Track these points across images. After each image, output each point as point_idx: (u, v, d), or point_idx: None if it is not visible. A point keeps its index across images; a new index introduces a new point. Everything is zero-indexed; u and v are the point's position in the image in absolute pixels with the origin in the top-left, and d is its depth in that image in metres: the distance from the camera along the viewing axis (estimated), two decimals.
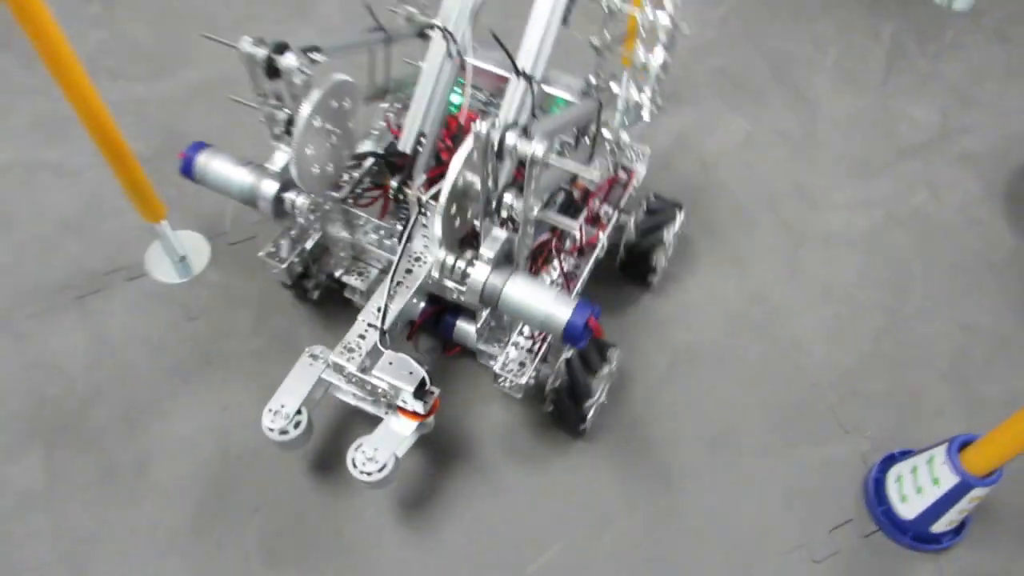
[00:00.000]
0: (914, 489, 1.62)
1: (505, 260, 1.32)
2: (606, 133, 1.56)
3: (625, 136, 1.56)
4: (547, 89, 1.55)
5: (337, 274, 1.62)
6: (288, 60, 1.24)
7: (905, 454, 1.74)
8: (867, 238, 2.19)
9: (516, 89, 1.38)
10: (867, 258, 2.13)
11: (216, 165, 1.41)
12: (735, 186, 2.24)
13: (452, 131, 1.54)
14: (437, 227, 1.25)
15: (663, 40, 1.41)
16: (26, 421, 1.76)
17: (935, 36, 2.75)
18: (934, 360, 1.97)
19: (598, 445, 1.75)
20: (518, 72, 1.37)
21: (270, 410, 1.46)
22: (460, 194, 1.26)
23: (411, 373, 1.35)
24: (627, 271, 1.70)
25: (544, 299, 1.27)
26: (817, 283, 2.07)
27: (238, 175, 1.41)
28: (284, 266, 1.59)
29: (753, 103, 2.48)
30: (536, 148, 1.19)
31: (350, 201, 1.52)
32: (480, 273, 1.28)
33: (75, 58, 1.44)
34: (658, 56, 1.42)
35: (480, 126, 1.19)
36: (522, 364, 1.51)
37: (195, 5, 2.58)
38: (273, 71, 1.25)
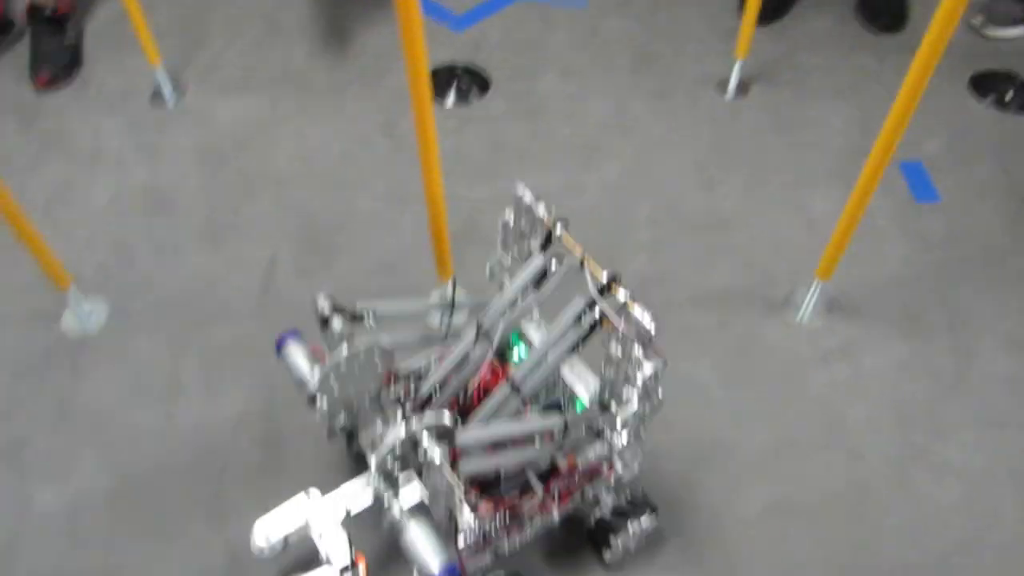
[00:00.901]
0: None
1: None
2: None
3: (620, 441, 1.41)
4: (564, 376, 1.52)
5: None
6: (335, 323, 1.41)
7: None
8: None
9: (504, 395, 1.38)
10: None
11: (293, 352, 1.56)
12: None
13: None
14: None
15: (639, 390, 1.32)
16: None
17: None
18: None
19: None
20: (513, 386, 1.38)
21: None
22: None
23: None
24: (593, 538, 1.61)
25: (426, 545, 1.34)
26: None
27: (299, 369, 1.53)
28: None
29: None
30: (434, 454, 1.26)
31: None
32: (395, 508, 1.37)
33: None
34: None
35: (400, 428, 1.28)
36: None
37: None
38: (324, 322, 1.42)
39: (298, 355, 1.54)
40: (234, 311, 1.98)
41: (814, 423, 1.78)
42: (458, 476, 1.28)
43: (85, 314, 1.94)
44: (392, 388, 1.51)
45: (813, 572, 1.58)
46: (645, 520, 1.53)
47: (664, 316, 1.91)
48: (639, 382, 1.27)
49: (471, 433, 1.30)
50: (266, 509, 1.47)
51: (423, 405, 1.49)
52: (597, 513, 1.53)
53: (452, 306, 1.55)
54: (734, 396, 1.82)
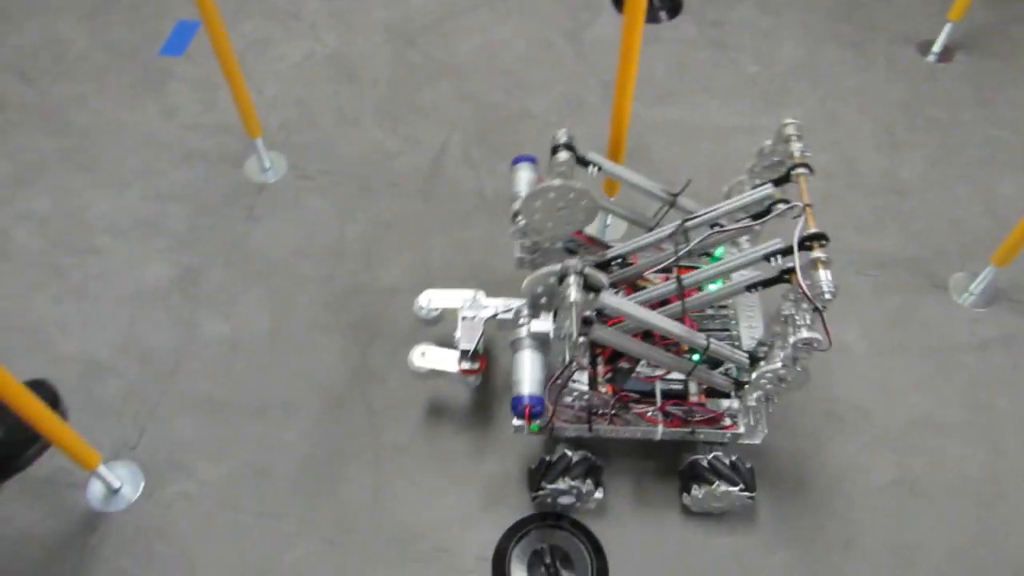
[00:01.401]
0: None
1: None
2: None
3: (749, 398, 1.41)
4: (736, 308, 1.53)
5: None
6: (561, 155, 1.45)
7: None
8: None
9: (669, 289, 1.37)
10: None
11: (520, 172, 1.58)
12: None
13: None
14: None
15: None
16: None
17: None
18: None
19: None
20: (680, 284, 1.36)
21: None
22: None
23: None
24: (682, 477, 1.57)
25: (528, 371, 1.37)
26: None
27: (516, 184, 1.57)
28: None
29: None
30: (570, 293, 1.23)
31: None
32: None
33: None
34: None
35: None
36: None
37: None
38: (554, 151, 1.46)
39: (523, 176, 1.55)
40: (401, 188, 2.03)
41: (959, 407, 1.71)
42: (583, 330, 1.26)
43: (267, 164, 2.02)
44: (584, 249, 1.53)
45: (929, 555, 1.54)
46: (735, 493, 1.48)
47: None
48: (790, 343, 1.24)
49: (614, 299, 1.28)
50: (405, 380, 1.54)
51: (600, 267, 1.47)
52: (701, 460, 1.51)
53: (674, 198, 1.53)
54: (880, 365, 1.77)
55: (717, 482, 1.48)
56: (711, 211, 1.44)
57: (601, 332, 1.29)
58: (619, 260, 1.53)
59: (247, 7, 2.42)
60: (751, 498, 1.50)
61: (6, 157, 2.10)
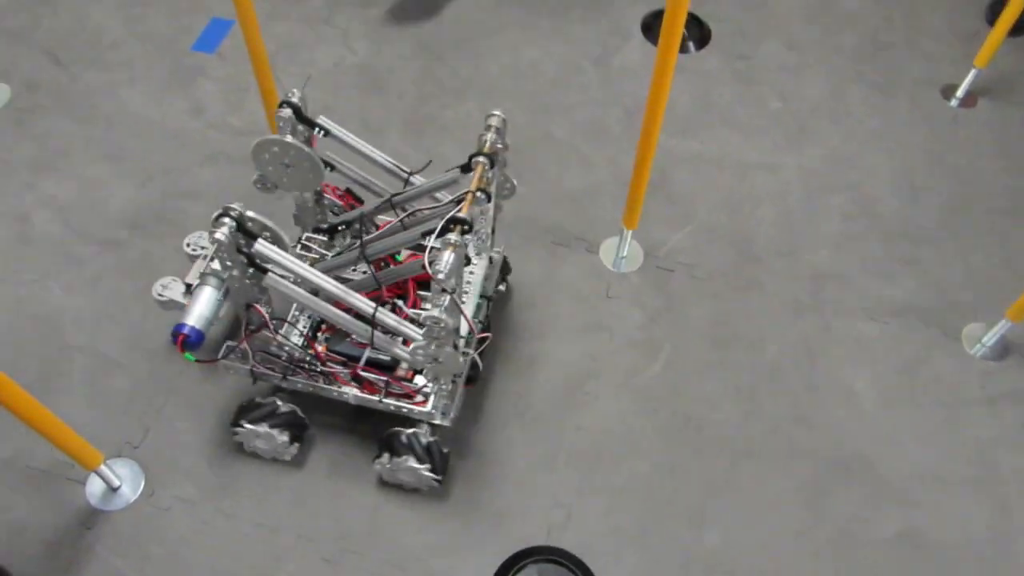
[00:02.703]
0: None
1: None
2: None
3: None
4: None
5: None
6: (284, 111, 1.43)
7: None
8: None
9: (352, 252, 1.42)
10: None
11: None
12: None
13: None
14: None
15: None
16: None
17: None
18: None
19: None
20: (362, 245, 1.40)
21: None
22: None
23: None
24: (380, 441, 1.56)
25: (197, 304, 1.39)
26: None
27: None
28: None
29: None
30: (221, 232, 1.24)
31: None
32: None
33: None
34: None
35: None
36: None
37: None
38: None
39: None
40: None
41: (967, 462, 1.65)
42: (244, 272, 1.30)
43: None
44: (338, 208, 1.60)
45: None
46: (421, 471, 1.48)
47: (834, 318, 1.83)
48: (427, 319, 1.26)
49: (267, 248, 1.28)
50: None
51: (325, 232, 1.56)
52: (400, 434, 1.48)
53: (408, 175, 1.54)
54: (888, 414, 1.70)
55: (406, 456, 1.48)
56: (416, 189, 1.49)
57: (270, 282, 1.31)
58: (344, 226, 1.56)
59: (282, 9, 2.37)
60: (438, 481, 1.51)
61: (32, 140, 2.05)
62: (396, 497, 1.56)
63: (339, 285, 1.33)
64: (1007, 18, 2.01)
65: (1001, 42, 2.09)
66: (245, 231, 1.26)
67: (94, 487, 1.53)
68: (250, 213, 1.27)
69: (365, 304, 1.32)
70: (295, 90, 1.43)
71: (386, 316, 1.33)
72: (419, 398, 1.46)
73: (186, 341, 1.34)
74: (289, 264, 1.29)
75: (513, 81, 2.24)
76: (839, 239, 1.97)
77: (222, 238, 1.23)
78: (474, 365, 1.50)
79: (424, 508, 1.55)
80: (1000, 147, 2.17)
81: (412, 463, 1.47)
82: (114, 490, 1.52)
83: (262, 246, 1.28)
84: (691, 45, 2.34)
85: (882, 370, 1.77)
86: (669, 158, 2.07)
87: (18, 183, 1.97)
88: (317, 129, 1.46)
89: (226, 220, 1.23)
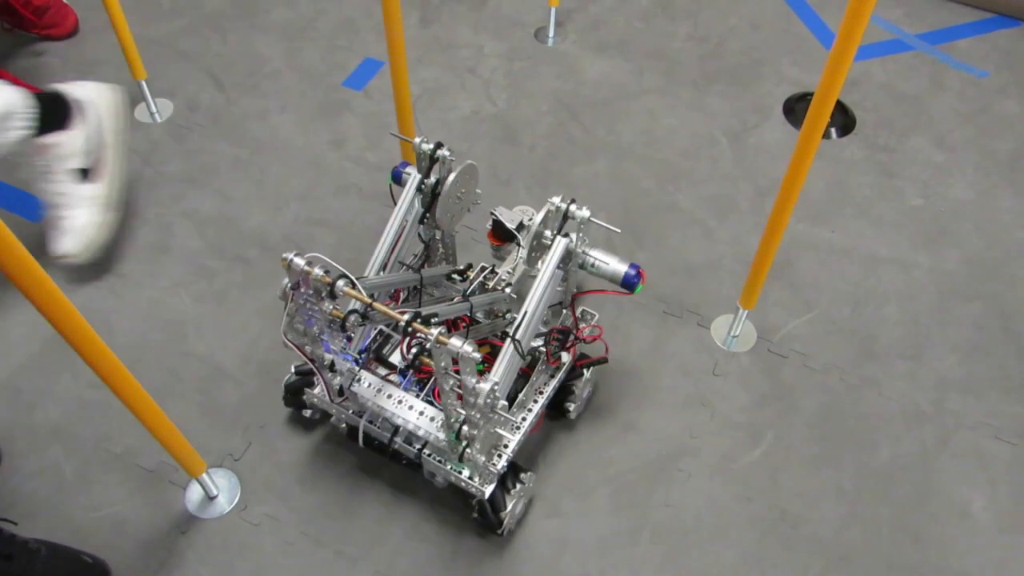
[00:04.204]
0: None
1: None
2: None
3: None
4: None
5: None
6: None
7: None
8: None
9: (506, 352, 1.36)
10: None
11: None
12: None
13: None
14: None
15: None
16: None
17: None
18: None
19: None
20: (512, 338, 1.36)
21: None
22: None
23: None
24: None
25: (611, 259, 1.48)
26: None
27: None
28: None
29: None
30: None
31: None
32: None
33: None
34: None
35: None
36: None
37: None
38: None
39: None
40: None
41: None
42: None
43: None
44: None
45: None
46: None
47: (955, 431, 1.73)
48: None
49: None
50: None
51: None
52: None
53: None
54: (1005, 543, 1.59)
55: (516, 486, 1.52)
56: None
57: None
58: None
59: (430, 55, 2.46)
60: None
61: (185, 156, 2.19)
62: (479, 545, 1.55)
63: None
64: None
65: None
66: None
67: (193, 493, 1.59)
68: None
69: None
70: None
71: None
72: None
73: None
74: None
75: (646, 146, 2.24)
76: (969, 349, 1.86)
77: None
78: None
79: (501, 561, 1.54)
80: None
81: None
82: (211, 499, 1.58)
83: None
84: (833, 131, 2.29)
85: (1003, 493, 1.65)
86: (796, 243, 2.02)
87: (168, 194, 2.10)
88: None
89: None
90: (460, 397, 1.30)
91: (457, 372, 1.26)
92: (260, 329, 1.84)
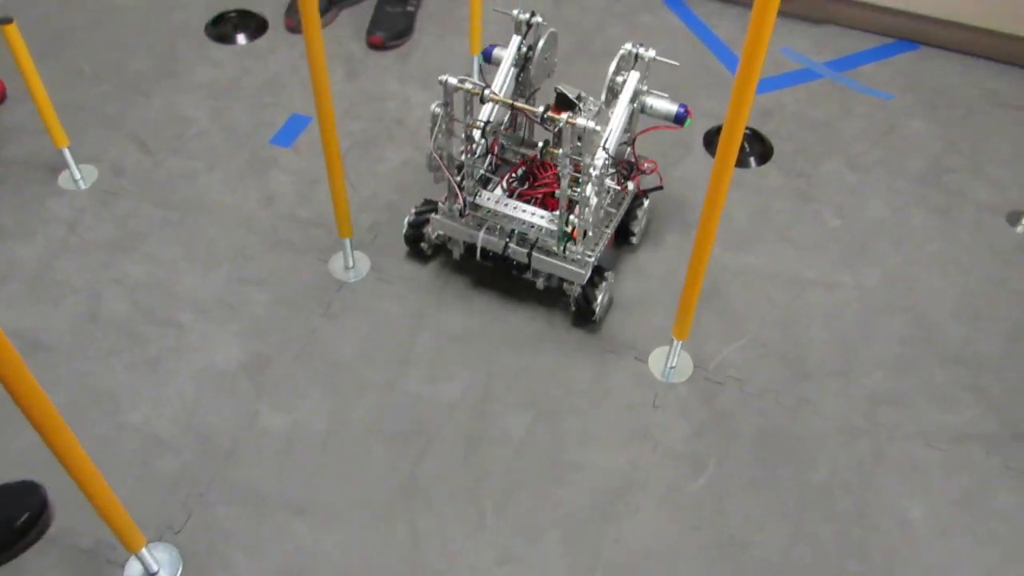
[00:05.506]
0: None
1: None
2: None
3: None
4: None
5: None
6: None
7: None
8: None
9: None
10: None
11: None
12: None
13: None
14: None
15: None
16: None
17: None
18: None
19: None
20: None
21: None
22: None
23: None
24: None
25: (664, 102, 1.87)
26: None
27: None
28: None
29: None
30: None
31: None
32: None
33: None
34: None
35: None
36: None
37: None
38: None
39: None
40: (473, 304, 1.98)
41: None
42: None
43: (351, 263, 2.01)
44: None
45: None
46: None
47: (888, 443, 1.76)
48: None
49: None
50: (455, 500, 1.43)
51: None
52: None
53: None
54: (944, 548, 1.61)
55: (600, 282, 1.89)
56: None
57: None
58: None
59: (357, 108, 2.46)
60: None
61: (113, 222, 2.14)
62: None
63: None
64: None
65: None
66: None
67: (132, 571, 1.53)
68: None
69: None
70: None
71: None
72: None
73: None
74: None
75: None
76: (896, 362, 1.91)
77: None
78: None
79: None
80: None
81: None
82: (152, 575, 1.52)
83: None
84: (752, 160, 2.34)
85: (939, 499, 1.68)
86: (724, 271, 2.05)
87: (96, 261, 2.05)
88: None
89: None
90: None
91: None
92: (196, 394, 1.79)
